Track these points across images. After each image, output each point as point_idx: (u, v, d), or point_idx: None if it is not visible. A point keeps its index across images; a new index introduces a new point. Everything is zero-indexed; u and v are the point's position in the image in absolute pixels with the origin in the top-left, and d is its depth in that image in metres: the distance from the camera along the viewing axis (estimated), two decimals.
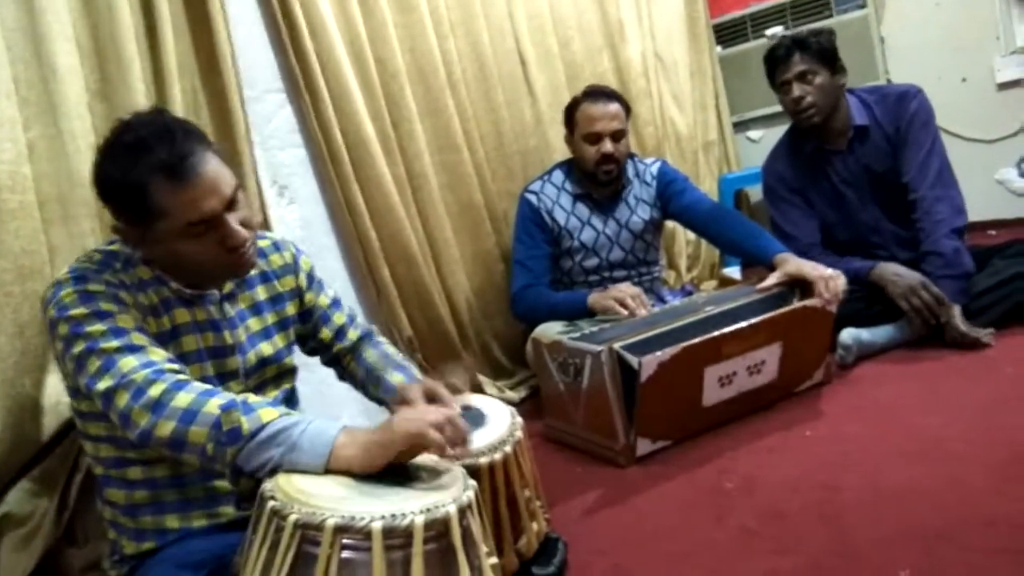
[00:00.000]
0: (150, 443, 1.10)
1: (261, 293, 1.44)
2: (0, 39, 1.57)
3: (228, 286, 1.37)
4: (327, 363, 1.65)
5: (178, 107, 1.87)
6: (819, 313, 2.07)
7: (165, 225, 1.18)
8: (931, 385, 2.05)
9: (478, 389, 2.52)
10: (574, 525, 1.68)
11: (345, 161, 2.33)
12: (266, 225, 2.10)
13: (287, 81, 2.30)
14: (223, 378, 1.33)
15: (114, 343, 1.15)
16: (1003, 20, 3.38)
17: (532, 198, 2.57)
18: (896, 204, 2.46)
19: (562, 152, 2.78)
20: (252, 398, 1.11)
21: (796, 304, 2.07)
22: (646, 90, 3.47)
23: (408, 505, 0.95)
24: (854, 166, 2.49)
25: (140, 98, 1.77)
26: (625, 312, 2.14)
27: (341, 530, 0.91)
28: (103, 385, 1.13)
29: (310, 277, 1.55)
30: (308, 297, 1.53)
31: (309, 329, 1.56)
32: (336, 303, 1.60)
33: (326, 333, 1.57)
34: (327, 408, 2.19)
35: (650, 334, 1.97)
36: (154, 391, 1.10)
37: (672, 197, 2.57)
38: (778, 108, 2.66)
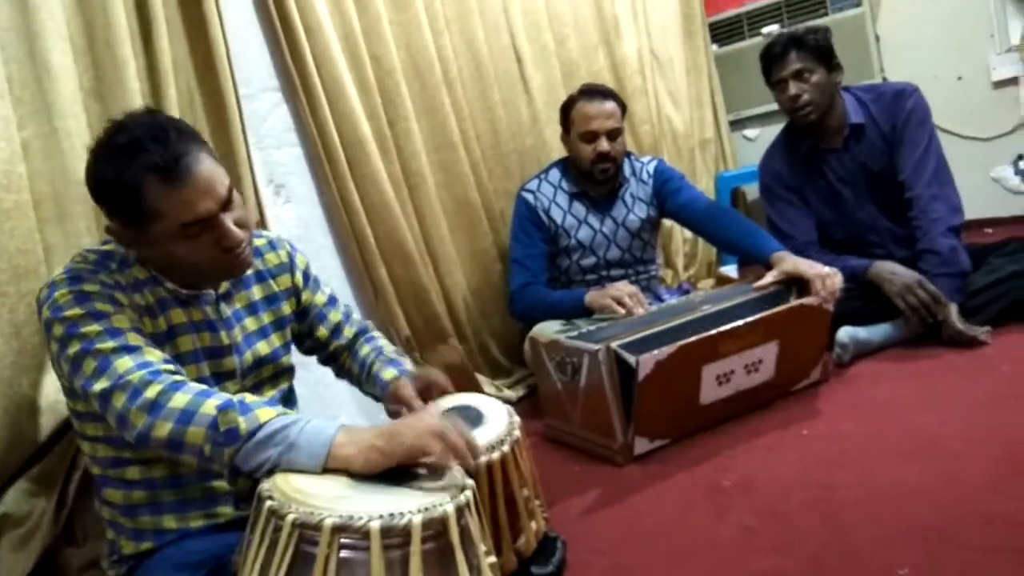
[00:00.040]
0: (148, 444, 1.09)
1: (257, 292, 1.43)
2: None
3: (224, 286, 1.36)
4: (324, 361, 1.65)
5: (173, 106, 1.87)
6: (816, 311, 2.07)
7: (159, 226, 1.17)
8: (928, 383, 2.05)
9: (474, 384, 2.52)
10: (572, 524, 1.67)
11: (341, 160, 2.32)
12: (263, 224, 2.10)
13: (283, 80, 2.29)
14: (219, 378, 1.33)
15: (110, 344, 1.14)
16: (998, 18, 3.39)
17: (529, 197, 2.57)
18: (893, 202, 2.46)
19: (558, 151, 2.77)
20: (249, 398, 1.11)
21: (793, 302, 2.07)
22: (642, 88, 3.47)
23: (406, 504, 0.95)
24: (850, 164, 2.50)
25: (135, 97, 1.76)
26: (622, 311, 2.14)
27: (339, 530, 0.91)
28: (99, 386, 1.12)
29: (306, 275, 1.54)
30: (304, 295, 1.53)
31: (305, 327, 1.56)
32: (332, 300, 1.60)
33: (322, 331, 1.57)
34: (325, 408, 2.19)
35: (647, 333, 1.97)
36: (150, 392, 1.09)
37: (669, 195, 2.57)
38: (774, 107, 2.66)
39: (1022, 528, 1.33)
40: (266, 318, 1.44)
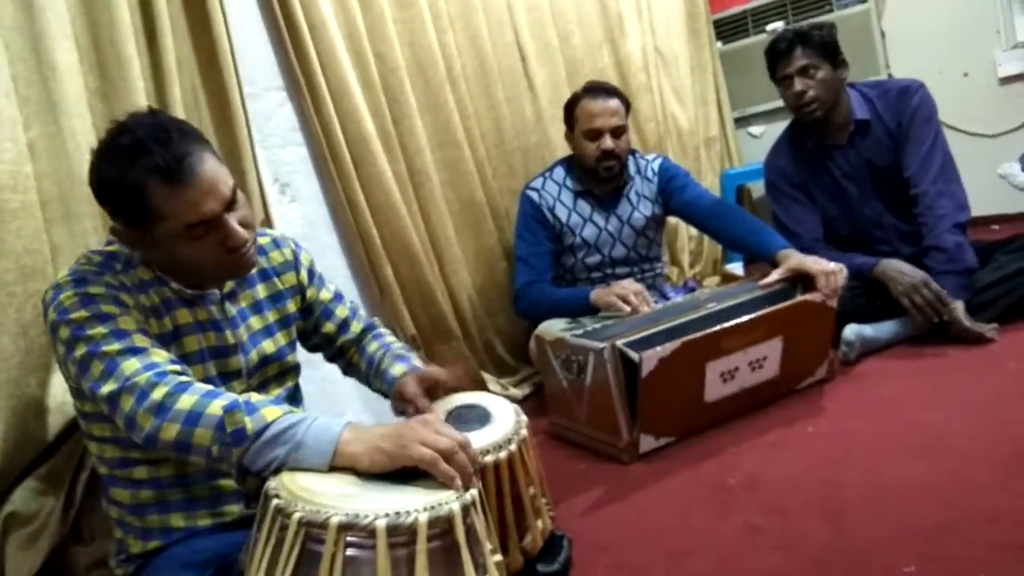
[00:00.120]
0: (156, 446, 1.09)
1: (261, 291, 1.43)
2: None
3: (229, 285, 1.36)
4: (330, 358, 1.65)
5: (178, 105, 1.87)
6: (819, 308, 2.06)
7: (163, 227, 1.17)
8: (934, 381, 2.05)
9: (479, 382, 2.53)
10: (578, 522, 1.68)
11: (346, 158, 2.33)
12: (268, 223, 2.10)
13: (287, 78, 2.30)
14: (225, 378, 1.33)
15: (116, 346, 1.14)
16: (1004, 14, 3.37)
17: (533, 195, 2.57)
18: (898, 199, 2.45)
19: (563, 149, 2.77)
20: (255, 397, 1.11)
21: (796, 299, 2.07)
22: (647, 85, 3.47)
23: (412, 503, 0.95)
24: (855, 160, 2.49)
25: (139, 96, 1.77)
26: (628, 308, 2.14)
27: (345, 528, 0.91)
28: (107, 389, 1.12)
29: (311, 273, 1.54)
30: (309, 293, 1.53)
31: (311, 325, 1.56)
32: (338, 297, 1.60)
33: (329, 327, 1.57)
34: (331, 405, 2.19)
35: (653, 331, 1.97)
36: (157, 394, 1.09)
37: (674, 193, 2.56)
38: (779, 103, 2.66)
39: None
40: (271, 316, 1.44)
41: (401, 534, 0.92)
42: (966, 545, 1.31)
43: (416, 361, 1.54)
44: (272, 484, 1.00)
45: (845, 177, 2.52)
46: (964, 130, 3.49)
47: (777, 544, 1.44)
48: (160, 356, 1.16)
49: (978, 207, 2.55)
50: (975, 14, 3.44)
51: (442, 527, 0.95)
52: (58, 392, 1.55)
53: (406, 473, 1.05)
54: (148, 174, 1.14)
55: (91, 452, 1.34)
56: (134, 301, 1.22)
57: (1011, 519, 1.36)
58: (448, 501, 0.97)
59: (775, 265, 2.20)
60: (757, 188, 3.60)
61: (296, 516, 0.93)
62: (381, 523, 0.91)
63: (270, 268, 1.46)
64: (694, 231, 3.47)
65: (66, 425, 1.55)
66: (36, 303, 1.51)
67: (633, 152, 2.66)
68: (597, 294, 2.26)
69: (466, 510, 0.98)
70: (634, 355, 1.83)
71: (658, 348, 1.84)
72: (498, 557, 1.06)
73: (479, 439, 1.24)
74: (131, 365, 1.13)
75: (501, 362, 2.78)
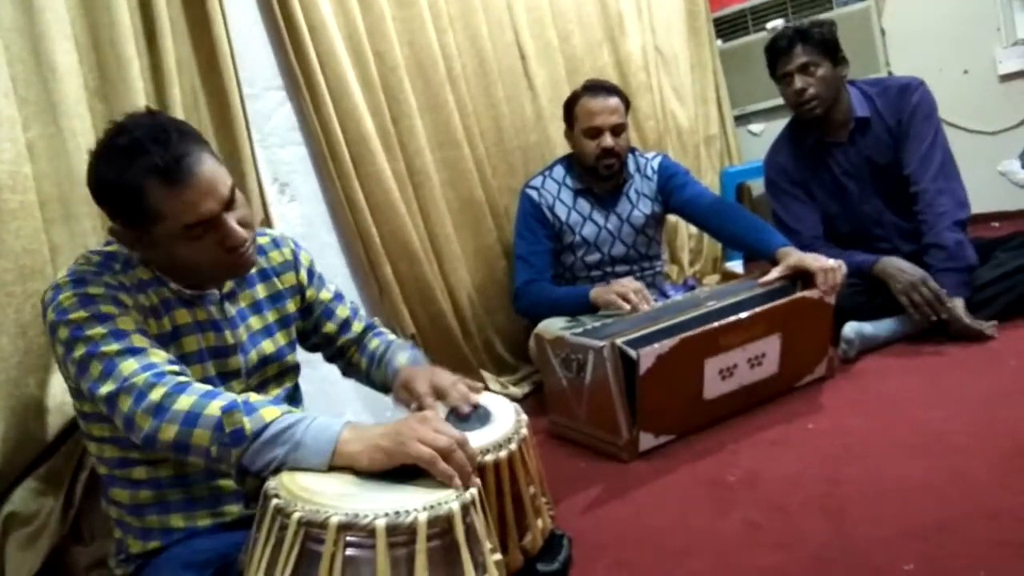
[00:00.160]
0: (155, 447, 1.09)
1: (261, 291, 1.43)
2: None
3: (228, 285, 1.36)
4: (330, 358, 1.65)
5: (177, 105, 1.87)
6: (817, 304, 2.06)
7: (162, 228, 1.17)
8: (934, 378, 2.05)
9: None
10: (578, 521, 1.68)
11: (345, 158, 2.33)
12: (268, 223, 2.10)
13: (286, 78, 2.30)
14: (225, 378, 1.33)
15: (115, 346, 1.14)
16: (1004, 11, 3.37)
17: (533, 194, 2.57)
18: (898, 196, 2.45)
19: (563, 147, 2.77)
20: (254, 397, 1.10)
21: (793, 295, 2.07)
22: (647, 84, 3.46)
23: (411, 502, 0.95)
24: (855, 158, 2.49)
25: (139, 97, 1.77)
26: (628, 307, 2.14)
27: (345, 528, 0.91)
28: (105, 389, 1.12)
29: (310, 272, 1.54)
30: (309, 293, 1.53)
31: (311, 324, 1.56)
32: (339, 296, 1.60)
33: (330, 327, 1.57)
34: (331, 405, 2.19)
35: (652, 329, 1.97)
36: (155, 395, 1.09)
37: (674, 191, 2.56)
38: (779, 101, 2.66)
39: None
40: (271, 316, 1.44)
41: (400, 534, 0.92)
42: (966, 543, 1.31)
43: (421, 356, 1.54)
44: (272, 484, 1.00)
45: (845, 175, 2.52)
46: (964, 127, 3.48)
47: (777, 542, 1.44)
48: (159, 357, 1.16)
49: (978, 204, 2.55)
50: (975, 11, 3.43)
51: (442, 526, 0.95)
52: (57, 392, 1.55)
53: (405, 472, 1.05)
54: (146, 174, 1.14)
55: (90, 452, 1.34)
56: (133, 301, 1.22)
57: (1011, 516, 1.36)
58: (448, 500, 0.97)
59: (775, 263, 2.20)
60: (757, 186, 3.60)
61: (296, 516, 0.93)
62: (381, 523, 0.91)
63: (270, 268, 1.46)
64: (694, 229, 3.47)
65: (65, 425, 1.55)
66: (35, 303, 1.51)
67: (633, 150, 2.66)
68: (597, 292, 2.26)
69: (466, 509, 0.98)
70: (632, 352, 1.83)
71: (656, 345, 1.84)
72: (498, 556, 1.06)
73: (479, 438, 1.24)
74: (129, 366, 1.13)
75: (501, 361, 2.78)
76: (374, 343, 1.59)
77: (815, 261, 2.10)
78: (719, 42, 4.09)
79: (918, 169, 2.38)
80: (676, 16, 3.75)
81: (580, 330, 2.03)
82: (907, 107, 2.41)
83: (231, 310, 1.36)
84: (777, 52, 2.46)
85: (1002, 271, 2.28)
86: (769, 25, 3.91)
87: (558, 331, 2.09)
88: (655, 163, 2.63)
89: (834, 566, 1.34)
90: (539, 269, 2.49)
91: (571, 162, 2.62)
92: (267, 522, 0.97)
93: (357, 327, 1.60)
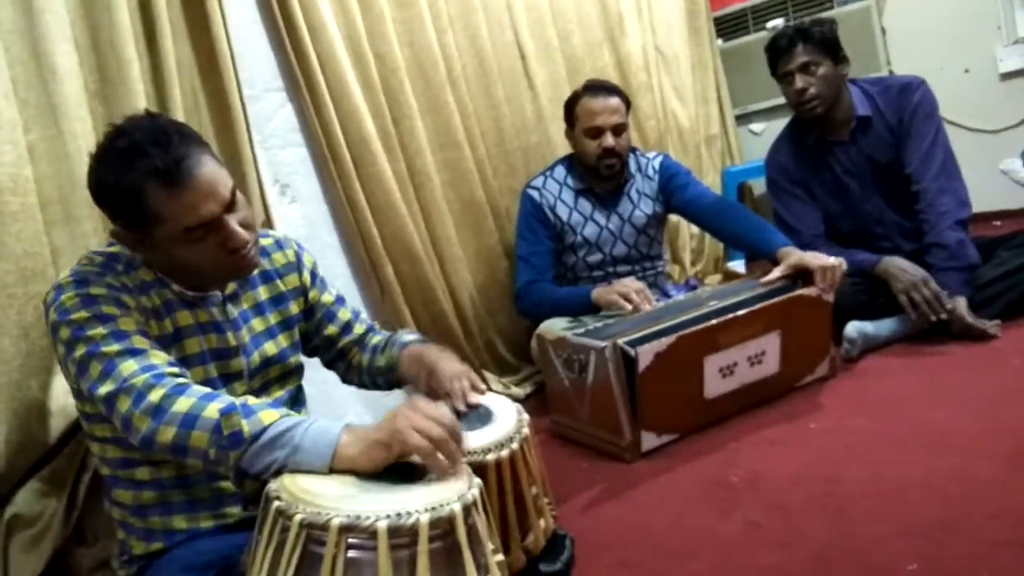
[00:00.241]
0: (152, 448, 1.09)
1: (263, 293, 1.43)
2: None
3: (231, 287, 1.36)
4: (329, 363, 1.64)
5: (178, 107, 1.87)
6: (815, 302, 2.06)
7: (163, 230, 1.17)
8: (936, 378, 2.04)
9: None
10: (579, 521, 1.68)
11: (346, 159, 2.33)
12: (269, 224, 2.11)
13: (287, 79, 2.30)
14: (227, 379, 1.33)
15: (115, 347, 1.14)
16: (1004, 10, 3.37)
17: (534, 194, 2.57)
18: (899, 195, 2.45)
19: (563, 148, 2.77)
20: (252, 400, 1.10)
21: (791, 293, 2.07)
22: (647, 84, 3.46)
23: (413, 503, 0.95)
24: (857, 157, 2.49)
25: (139, 99, 1.77)
26: (629, 307, 2.14)
27: (346, 529, 0.91)
28: (104, 390, 1.12)
29: (313, 274, 1.54)
30: (312, 294, 1.53)
31: (312, 327, 1.56)
32: (340, 300, 1.60)
33: (332, 329, 1.57)
34: (332, 408, 2.19)
35: (654, 329, 1.97)
36: (154, 396, 1.09)
37: (675, 191, 2.56)
38: (780, 101, 2.66)
39: None
40: (273, 319, 1.44)
41: (403, 535, 0.92)
42: (968, 542, 1.31)
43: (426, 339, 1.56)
44: (273, 486, 1.00)
45: (846, 173, 2.52)
46: (965, 126, 3.48)
47: (778, 542, 1.44)
48: (159, 358, 1.16)
49: (979, 203, 2.55)
50: (976, 10, 3.43)
51: (444, 528, 0.95)
52: (60, 394, 1.55)
53: (408, 473, 1.05)
54: (146, 177, 1.14)
55: (93, 453, 1.34)
56: (135, 303, 1.22)
57: (1014, 516, 1.35)
58: (449, 502, 0.97)
59: (776, 263, 2.20)
60: (758, 185, 3.60)
61: (297, 518, 0.93)
62: (382, 524, 0.91)
63: (272, 270, 1.46)
64: (695, 229, 3.47)
65: (68, 427, 1.55)
66: (37, 305, 1.51)
67: (634, 150, 2.65)
68: (598, 292, 2.26)
69: (467, 510, 0.98)
70: (630, 349, 1.83)
71: (654, 343, 1.84)
72: (500, 557, 1.06)
73: (481, 438, 1.24)
74: (129, 367, 1.13)
75: (502, 361, 2.78)
76: (375, 339, 1.60)
77: (815, 259, 2.09)
78: (720, 41, 4.08)
79: (919, 168, 2.38)
80: (676, 15, 3.75)
81: (582, 330, 2.03)
82: (908, 106, 2.40)
83: (233, 312, 1.36)
84: (778, 51, 2.46)
85: (1004, 270, 2.28)
86: (770, 24, 3.91)
87: (560, 331, 2.08)
88: (656, 163, 2.63)
89: (835, 566, 1.34)
90: (541, 269, 2.49)
91: (572, 162, 2.62)
92: (269, 524, 0.97)
93: (359, 329, 1.60)
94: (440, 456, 1.02)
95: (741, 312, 1.96)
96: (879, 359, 2.27)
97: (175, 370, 1.16)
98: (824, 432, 1.88)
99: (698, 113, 3.78)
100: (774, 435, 1.91)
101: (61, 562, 1.53)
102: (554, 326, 2.19)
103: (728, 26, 4.12)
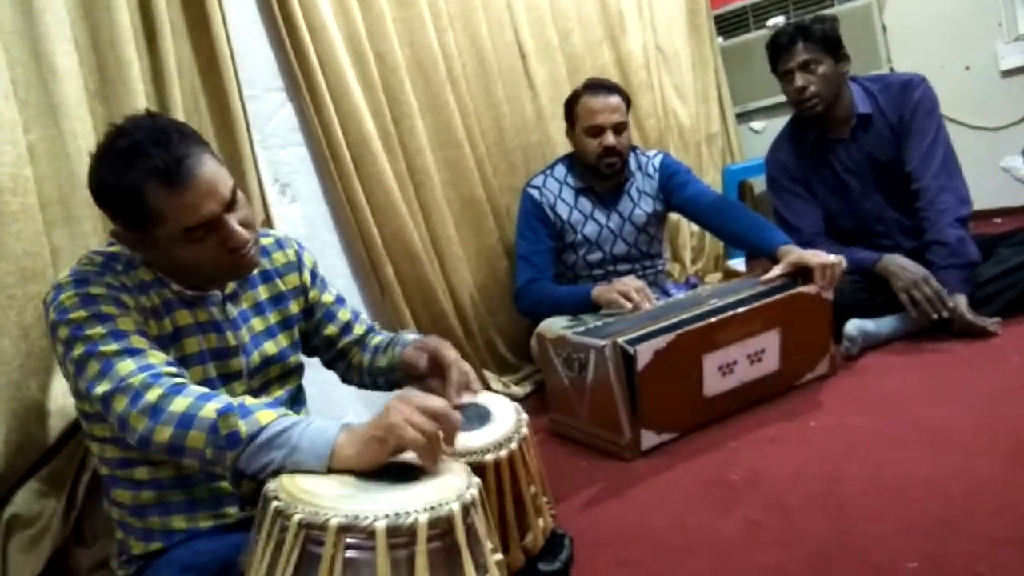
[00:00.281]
0: (149, 448, 1.09)
1: (263, 292, 1.43)
2: None
3: (231, 287, 1.36)
4: (328, 363, 1.64)
5: (178, 107, 1.87)
6: (814, 299, 2.06)
7: (163, 230, 1.17)
8: (937, 375, 2.04)
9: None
10: (579, 519, 1.68)
11: (346, 158, 2.33)
12: (269, 224, 2.11)
13: (287, 79, 2.30)
14: (226, 379, 1.32)
15: (113, 346, 1.14)
16: (1005, 7, 3.36)
17: (534, 193, 2.57)
18: (900, 193, 2.45)
19: (564, 146, 2.77)
20: (250, 400, 1.10)
21: (790, 291, 2.07)
22: (648, 82, 3.46)
23: (412, 503, 0.95)
24: (857, 154, 2.48)
25: (139, 99, 1.77)
26: (629, 305, 2.14)
27: (345, 529, 0.91)
28: (101, 389, 1.12)
29: (313, 274, 1.54)
30: (312, 294, 1.53)
31: (312, 326, 1.56)
32: (340, 300, 1.60)
33: (332, 329, 1.57)
34: (332, 408, 2.19)
35: (654, 327, 1.97)
36: (151, 396, 1.09)
37: (675, 189, 2.56)
38: (781, 99, 2.66)
39: None
40: (273, 318, 1.44)
41: (401, 535, 0.92)
42: (969, 540, 1.31)
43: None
44: (271, 486, 1.00)
45: (847, 171, 2.51)
46: (966, 124, 3.47)
47: (778, 540, 1.44)
48: (157, 358, 1.16)
49: (980, 201, 2.55)
50: (976, 7, 3.42)
51: (442, 527, 0.95)
52: (59, 395, 1.55)
53: (406, 473, 1.05)
54: (147, 177, 1.14)
55: (92, 453, 1.34)
56: (134, 302, 1.22)
57: (1014, 513, 1.35)
58: (448, 501, 0.97)
59: (776, 261, 2.19)
60: (759, 183, 3.60)
61: (296, 518, 0.93)
62: (381, 524, 0.91)
63: (272, 269, 1.46)
64: (696, 227, 3.46)
65: (67, 427, 1.55)
66: (37, 306, 1.51)
67: (634, 148, 2.65)
68: (599, 291, 2.26)
69: (466, 510, 0.98)
70: (629, 347, 1.83)
71: (653, 341, 1.84)
72: (499, 556, 1.05)
73: (479, 437, 1.24)
74: (126, 366, 1.13)
75: (502, 360, 2.78)
76: (376, 339, 1.60)
77: (815, 257, 2.09)
78: (720, 39, 4.08)
79: (920, 166, 2.38)
80: (677, 14, 3.74)
81: (582, 329, 2.03)
82: (909, 103, 2.40)
83: (233, 311, 1.36)
84: (778, 49, 2.46)
85: (1005, 267, 2.28)
86: (770, 22, 3.90)
87: (560, 330, 2.08)
88: (656, 161, 2.63)
89: (835, 564, 1.34)
90: (541, 268, 2.49)
91: (572, 161, 2.62)
92: (267, 524, 0.97)
93: (359, 329, 1.60)
94: (434, 450, 1.02)
95: (740, 310, 1.96)
96: (879, 357, 2.27)
97: (173, 370, 1.15)
98: (824, 430, 1.88)
99: (698, 111, 3.78)
100: (774, 433, 1.91)
101: (60, 562, 1.53)
102: (554, 325, 2.19)
103: (728, 24, 4.11)
